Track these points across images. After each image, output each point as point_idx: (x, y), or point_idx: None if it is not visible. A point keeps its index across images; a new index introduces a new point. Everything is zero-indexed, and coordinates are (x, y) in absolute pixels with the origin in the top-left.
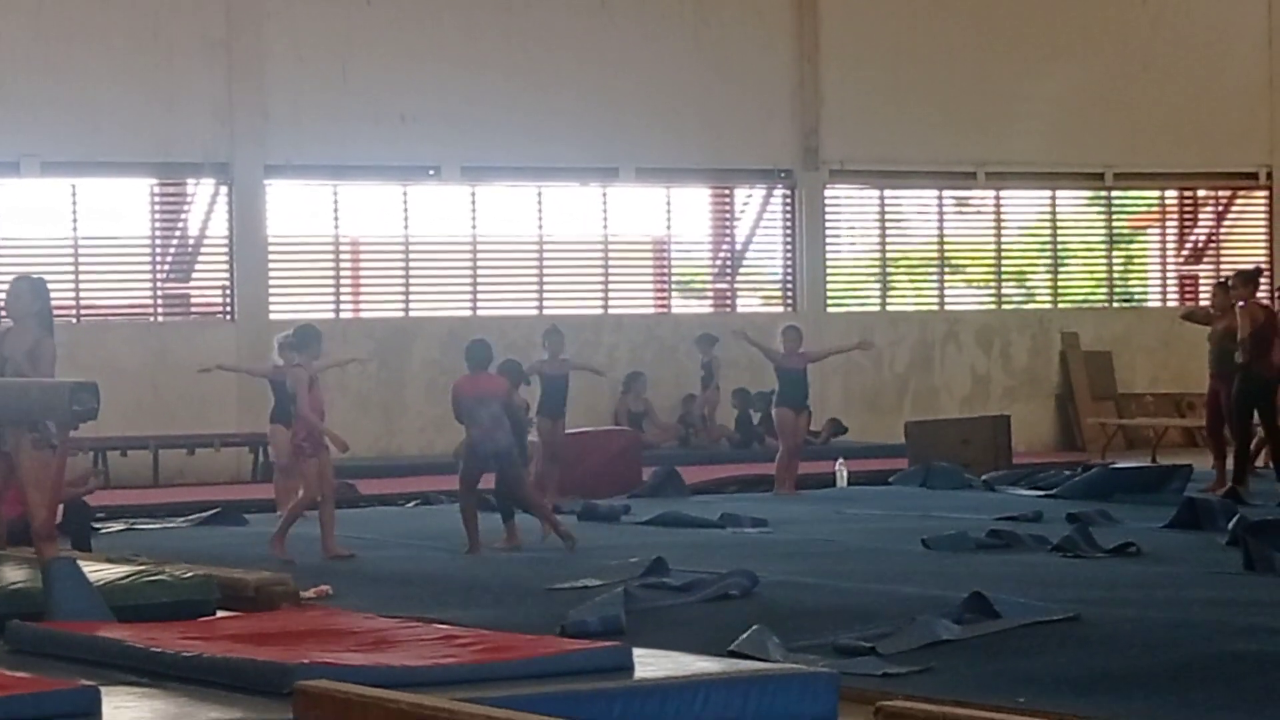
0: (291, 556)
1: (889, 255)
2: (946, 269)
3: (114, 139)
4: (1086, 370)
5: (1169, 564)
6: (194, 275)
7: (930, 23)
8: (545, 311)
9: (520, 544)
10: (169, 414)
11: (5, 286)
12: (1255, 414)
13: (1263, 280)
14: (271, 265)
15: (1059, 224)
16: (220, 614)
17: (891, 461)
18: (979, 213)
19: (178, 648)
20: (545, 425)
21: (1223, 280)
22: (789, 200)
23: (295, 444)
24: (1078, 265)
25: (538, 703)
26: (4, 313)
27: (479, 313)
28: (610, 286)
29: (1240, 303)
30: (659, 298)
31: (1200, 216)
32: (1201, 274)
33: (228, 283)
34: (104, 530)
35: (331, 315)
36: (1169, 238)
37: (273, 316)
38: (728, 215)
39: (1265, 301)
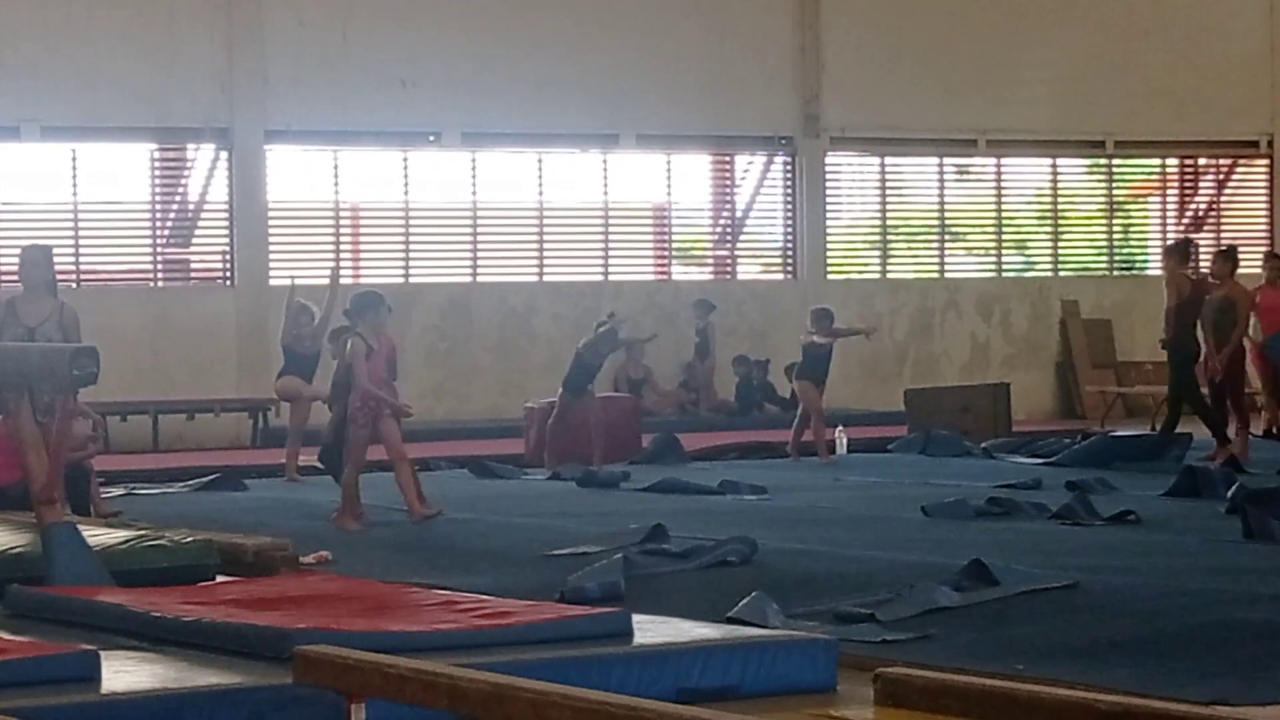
0: (364, 526)
1: (889, 222)
2: (947, 236)
3: (114, 104)
4: (1086, 338)
5: (1168, 532)
6: (194, 240)
7: None
8: (545, 278)
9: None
10: (169, 379)
11: (6, 252)
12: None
13: (1191, 250)
14: (271, 231)
15: (1060, 192)
16: (220, 579)
17: (891, 429)
18: (980, 180)
19: (177, 612)
20: (565, 399)
21: (1223, 248)
22: (789, 167)
23: (351, 413)
24: (1078, 233)
25: (537, 668)
26: (13, 279)
27: (479, 279)
28: (610, 253)
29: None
30: (659, 265)
31: (1201, 185)
32: (1202, 242)
33: (228, 248)
34: (104, 495)
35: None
36: (1169, 206)
37: (273, 282)
38: (728, 182)
39: (1192, 275)
